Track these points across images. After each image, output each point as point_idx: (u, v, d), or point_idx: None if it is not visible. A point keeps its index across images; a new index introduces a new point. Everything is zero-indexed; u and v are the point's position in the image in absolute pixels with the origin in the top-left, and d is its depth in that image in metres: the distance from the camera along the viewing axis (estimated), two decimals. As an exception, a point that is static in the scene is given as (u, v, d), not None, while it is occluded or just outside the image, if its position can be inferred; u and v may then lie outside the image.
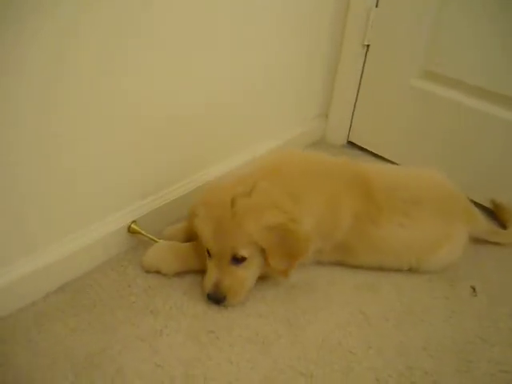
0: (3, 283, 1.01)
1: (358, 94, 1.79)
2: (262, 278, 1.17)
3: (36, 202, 1.02)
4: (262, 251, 1.09)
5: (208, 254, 1.12)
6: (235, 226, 1.05)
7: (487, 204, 1.51)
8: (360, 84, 1.77)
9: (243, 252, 1.07)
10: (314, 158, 1.33)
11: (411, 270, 1.27)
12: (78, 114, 1.00)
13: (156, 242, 1.21)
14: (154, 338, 1.03)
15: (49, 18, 0.87)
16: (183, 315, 1.10)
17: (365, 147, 1.84)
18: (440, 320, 1.16)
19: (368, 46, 1.70)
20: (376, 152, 1.81)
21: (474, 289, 1.25)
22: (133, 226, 1.22)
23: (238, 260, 1.08)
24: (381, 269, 1.26)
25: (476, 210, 1.36)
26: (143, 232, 1.22)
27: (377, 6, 1.63)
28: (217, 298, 1.10)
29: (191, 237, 1.22)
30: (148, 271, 1.18)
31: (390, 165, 1.68)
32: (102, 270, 1.18)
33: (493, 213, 1.47)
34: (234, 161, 1.51)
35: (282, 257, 1.09)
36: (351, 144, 1.88)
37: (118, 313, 1.08)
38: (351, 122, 1.84)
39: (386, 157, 1.78)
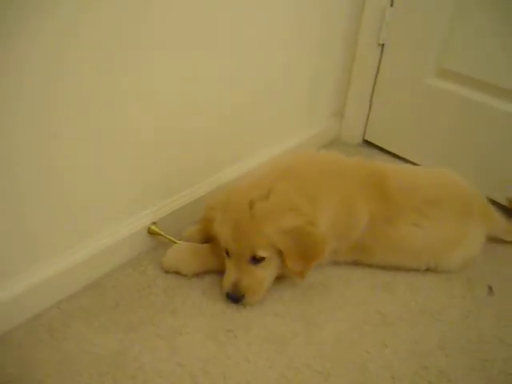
0: (29, 284, 1.04)
1: (373, 93, 1.79)
2: (279, 279, 1.19)
3: (61, 206, 1.05)
4: (280, 252, 1.11)
5: (227, 254, 1.14)
6: (254, 228, 1.08)
7: (504, 202, 1.50)
8: (375, 83, 1.77)
9: (262, 252, 1.10)
10: (329, 158, 1.34)
11: (428, 270, 1.28)
12: (99, 114, 1.04)
13: (175, 242, 1.23)
14: (174, 337, 1.06)
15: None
16: (202, 314, 1.12)
17: (381, 146, 1.84)
18: (456, 319, 1.17)
19: (383, 45, 1.70)
20: (392, 151, 1.81)
21: (490, 288, 1.25)
22: (152, 227, 1.25)
23: (256, 260, 1.10)
24: (397, 268, 1.27)
25: (492, 209, 1.37)
26: (162, 233, 1.25)
27: (392, 5, 1.63)
28: (236, 297, 1.13)
29: (208, 238, 1.25)
30: (167, 272, 1.21)
31: (404, 164, 1.67)
32: (123, 271, 1.21)
33: (509, 211, 1.47)
34: (250, 162, 1.53)
35: (299, 259, 1.11)
36: (367, 143, 1.89)
37: (139, 312, 1.11)
38: (367, 121, 1.85)
39: (402, 155, 1.78)
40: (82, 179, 1.08)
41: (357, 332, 1.11)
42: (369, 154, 1.80)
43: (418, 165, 1.68)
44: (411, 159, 1.74)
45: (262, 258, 1.10)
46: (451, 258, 1.27)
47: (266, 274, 1.14)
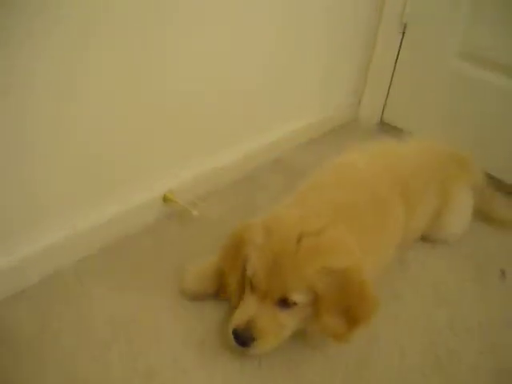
0: (47, 245, 1.06)
1: (393, 74, 1.78)
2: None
3: (79, 170, 1.06)
4: (316, 301, 0.92)
5: (250, 286, 0.96)
6: (295, 265, 0.90)
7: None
8: (396, 63, 1.76)
9: (297, 296, 0.91)
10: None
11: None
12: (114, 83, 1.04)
13: (190, 210, 1.24)
14: (187, 302, 1.07)
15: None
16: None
17: (399, 127, 1.83)
18: (466, 301, 1.17)
19: (406, 24, 1.68)
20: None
21: (503, 272, 1.26)
22: (168, 194, 1.26)
23: (286, 304, 0.92)
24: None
25: (471, 161, 1.35)
26: (178, 201, 1.26)
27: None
28: (244, 338, 0.92)
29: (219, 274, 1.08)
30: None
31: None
32: (139, 236, 1.22)
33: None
34: (270, 137, 1.54)
35: (338, 313, 0.93)
36: (385, 124, 1.88)
37: (154, 276, 1.12)
38: (385, 102, 1.84)
39: (419, 137, 1.77)
40: (103, 143, 1.08)
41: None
42: (386, 135, 1.80)
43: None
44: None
45: (294, 304, 0.91)
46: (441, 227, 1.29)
47: (290, 322, 0.94)
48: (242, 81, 1.36)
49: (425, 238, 1.32)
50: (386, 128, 1.86)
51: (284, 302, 0.91)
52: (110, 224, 1.17)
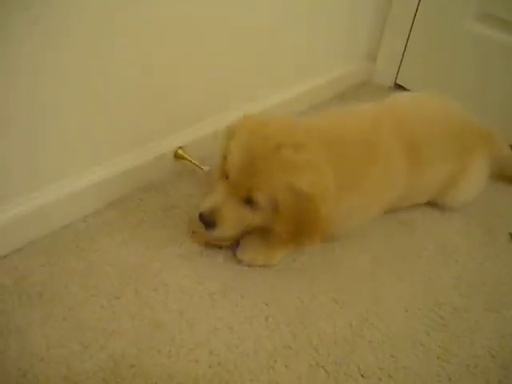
0: (57, 196, 1.07)
1: (409, 36, 1.75)
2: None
3: (86, 126, 1.06)
4: (275, 208, 0.98)
5: (225, 178, 1.03)
6: (267, 170, 0.95)
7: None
8: (412, 25, 1.72)
9: (260, 198, 0.97)
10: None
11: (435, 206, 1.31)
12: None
13: (200, 168, 1.24)
14: (195, 258, 1.08)
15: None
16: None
17: (413, 90, 1.80)
18: (473, 262, 1.17)
19: (423, -16, 1.63)
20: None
21: (512, 236, 1.25)
22: (179, 151, 1.26)
23: (250, 202, 0.99)
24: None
25: (494, 134, 1.34)
26: (188, 157, 1.26)
27: None
28: (207, 221, 1.01)
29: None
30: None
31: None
32: (148, 192, 1.23)
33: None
34: (280, 97, 1.53)
35: (289, 226, 1.00)
36: (399, 86, 1.85)
37: (162, 232, 1.13)
38: (400, 64, 1.81)
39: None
40: (114, 99, 1.07)
41: (373, 265, 1.13)
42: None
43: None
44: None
45: (257, 203, 0.98)
46: (454, 193, 1.28)
47: (249, 217, 1.02)
48: (257, 39, 1.34)
49: (433, 204, 1.31)
50: (399, 91, 1.82)
51: (249, 200, 0.98)
52: (122, 178, 1.18)
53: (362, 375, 0.90)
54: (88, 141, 1.08)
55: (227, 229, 1.02)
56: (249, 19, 1.28)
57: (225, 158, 1.04)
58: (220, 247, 1.11)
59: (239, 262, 1.09)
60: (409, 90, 1.80)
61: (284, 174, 0.94)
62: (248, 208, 1.00)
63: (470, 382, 0.92)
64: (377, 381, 0.90)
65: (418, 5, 1.67)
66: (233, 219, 1.01)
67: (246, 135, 1.00)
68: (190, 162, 1.26)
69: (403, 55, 1.79)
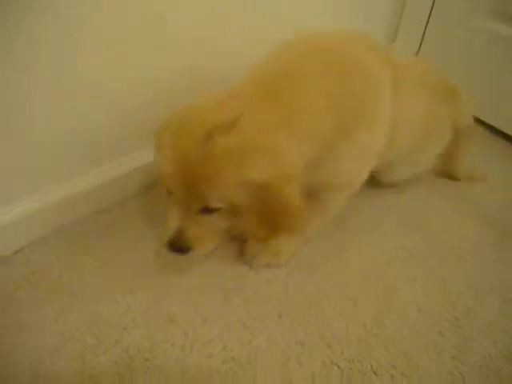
0: (80, 190, 1.09)
1: (425, 29, 1.74)
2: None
3: (109, 125, 1.08)
4: (239, 209, 0.86)
5: (168, 192, 0.89)
6: (208, 171, 0.79)
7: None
8: (429, 17, 1.71)
9: (217, 204, 0.84)
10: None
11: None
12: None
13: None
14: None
15: None
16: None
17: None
18: (486, 263, 1.17)
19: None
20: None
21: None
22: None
23: (209, 210, 0.85)
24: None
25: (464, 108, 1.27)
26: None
27: None
28: (180, 249, 0.89)
29: None
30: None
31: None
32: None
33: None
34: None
35: (261, 223, 0.89)
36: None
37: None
38: (417, 54, 1.80)
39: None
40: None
41: (385, 265, 1.13)
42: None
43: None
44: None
45: (218, 209, 0.85)
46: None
47: (218, 224, 0.89)
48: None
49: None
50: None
51: (206, 209, 0.84)
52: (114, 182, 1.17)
53: (374, 373, 0.90)
54: (106, 138, 1.09)
55: (205, 246, 0.92)
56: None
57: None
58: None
59: (245, 263, 1.08)
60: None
61: (227, 172, 0.79)
62: (213, 216, 0.86)
63: (483, 383, 0.92)
64: (389, 378, 0.90)
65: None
66: (204, 235, 0.89)
67: (170, 140, 0.82)
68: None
69: (420, 48, 1.79)
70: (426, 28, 1.74)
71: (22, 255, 1.03)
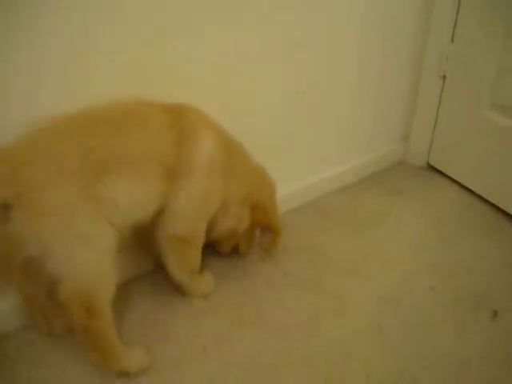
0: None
1: (436, 121, 1.90)
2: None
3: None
4: None
5: None
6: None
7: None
8: (438, 111, 1.88)
9: None
10: None
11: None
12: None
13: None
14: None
15: None
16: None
17: (443, 171, 1.95)
18: (447, 338, 1.27)
19: (445, 77, 1.81)
20: (453, 176, 1.91)
21: (495, 313, 1.33)
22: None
23: None
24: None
25: None
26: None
27: (452, 41, 1.75)
28: None
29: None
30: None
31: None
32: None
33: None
34: (307, 181, 1.78)
35: None
36: (431, 167, 2.00)
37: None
38: (430, 146, 1.96)
39: (461, 182, 1.87)
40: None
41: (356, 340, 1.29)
42: (430, 177, 1.95)
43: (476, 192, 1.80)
44: (470, 187, 1.83)
45: None
46: None
47: None
48: (295, 122, 1.60)
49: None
50: (432, 172, 1.98)
51: None
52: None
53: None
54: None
55: None
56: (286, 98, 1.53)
57: None
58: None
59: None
60: (440, 171, 1.95)
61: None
62: None
63: None
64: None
65: (442, 93, 1.84)
66: None
67: None
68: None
69: (432, 138, 1.94)
70: (436, 121, 1.91)
71: None
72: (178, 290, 1.34)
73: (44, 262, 0.95)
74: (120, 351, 1.11)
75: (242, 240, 1.42)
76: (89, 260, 0.99)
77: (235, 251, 1.47)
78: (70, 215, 0.93)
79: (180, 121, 1.12)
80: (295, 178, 1.72)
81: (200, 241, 1.26)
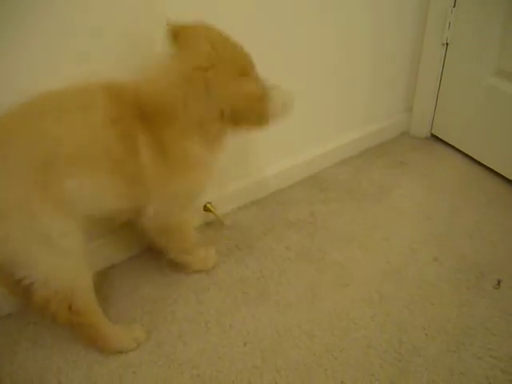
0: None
1: (439, 90, 1.87)
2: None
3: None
4: None
5: None
6: None
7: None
8: (441, 80, 1.85)
9: None
10: None
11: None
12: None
13: (222, 222, 1.54)
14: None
15: None
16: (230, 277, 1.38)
17: (446, 141, 1.92)
18: (451, 306, 1.27)
19: (447, 44, 1.77)
20: (456, 146, 1.88)
21: (499, 282, 1.33)
22: (208, 205, 1.55)
23: None
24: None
25: None
26: (215, 212, 1.54)
27: (454, 6, 1.70)
28: None
29: None
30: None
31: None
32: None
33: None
34: (309, 154, 1.77)
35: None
36: (434, 137, 1.97)
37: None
38: (433, 116, 1.93)
39: (465, 151, 1.85)
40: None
41: (349, 318, 1.30)
42: (434, 147, 1.93)
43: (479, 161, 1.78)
44: (474, 156, 1.81)
45: None
46: None
47: None
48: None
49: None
50: (435, 141, 1.96)
51: None
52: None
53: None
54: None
55: None
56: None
57: None
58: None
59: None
60: (443, 141, 1.92)
61: None
62: None
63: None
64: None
65: (444, 61, 1.81)
66: None
67: None
68: (215, 215, 1.55)
69: (435, 108, 1.91)
70: (438, 90, 1.89)
71: None
72: (180, 267, 1.35)
73: (13, 271, 0.92)
74: (112, 334, 1.12)
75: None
76: (58, 264, 0.95)
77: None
78: (28, 217, 0.88)
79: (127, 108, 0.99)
80: (295, 152, 1.72)
81: (187, 225, 1.26)
